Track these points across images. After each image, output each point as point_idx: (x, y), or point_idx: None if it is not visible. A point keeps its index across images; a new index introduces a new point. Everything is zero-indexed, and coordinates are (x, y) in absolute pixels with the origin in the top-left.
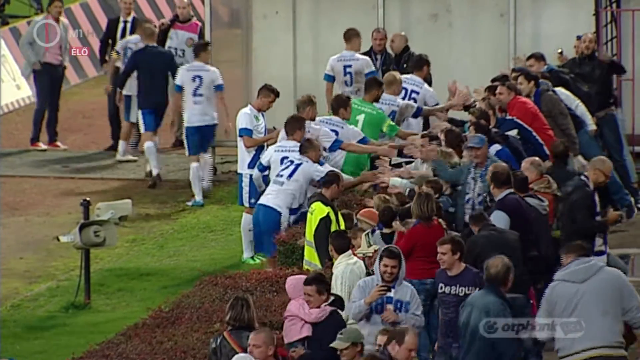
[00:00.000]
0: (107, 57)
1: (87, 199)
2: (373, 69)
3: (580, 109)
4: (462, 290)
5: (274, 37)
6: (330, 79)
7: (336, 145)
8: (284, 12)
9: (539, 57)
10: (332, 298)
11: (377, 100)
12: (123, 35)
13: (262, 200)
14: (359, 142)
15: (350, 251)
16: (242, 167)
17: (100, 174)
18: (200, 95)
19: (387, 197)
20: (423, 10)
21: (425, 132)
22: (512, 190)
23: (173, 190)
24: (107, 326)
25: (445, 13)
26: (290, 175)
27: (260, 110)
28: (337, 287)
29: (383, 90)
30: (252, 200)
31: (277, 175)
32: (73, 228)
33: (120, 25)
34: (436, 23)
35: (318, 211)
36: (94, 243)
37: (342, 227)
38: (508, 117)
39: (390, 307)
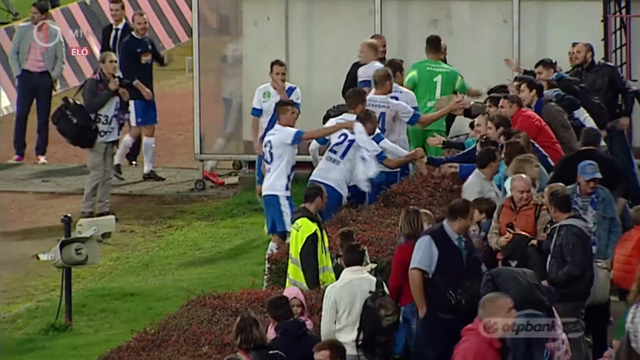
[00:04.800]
0: None
1: (69, 215)
2: None
3: (588, 121)
4: None
5: (265, 44)
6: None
7: (414, 119)
8: (276, 18)
9: (548, 64)
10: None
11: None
12: (115, 43)
13: (319, 176)
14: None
15: (360, 266)
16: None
17: (82, 189)
18: None
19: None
20: (422, 15)
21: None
22: None
23: (159, 206)
24: (89, 349)
25: (445, 19)
26: (343, 154)
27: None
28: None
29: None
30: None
31: (331, 151)
32: (53, 245)
33: (113, 33)
34: (436, 29)
35: (305, 228)
36: (75, 261)
37: (327, 244)
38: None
39: None
